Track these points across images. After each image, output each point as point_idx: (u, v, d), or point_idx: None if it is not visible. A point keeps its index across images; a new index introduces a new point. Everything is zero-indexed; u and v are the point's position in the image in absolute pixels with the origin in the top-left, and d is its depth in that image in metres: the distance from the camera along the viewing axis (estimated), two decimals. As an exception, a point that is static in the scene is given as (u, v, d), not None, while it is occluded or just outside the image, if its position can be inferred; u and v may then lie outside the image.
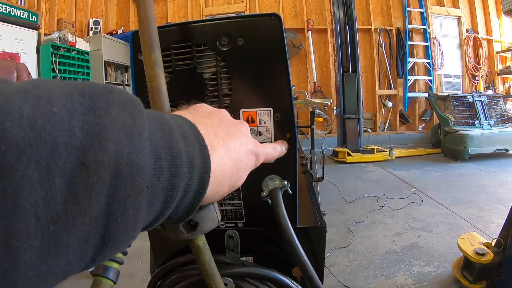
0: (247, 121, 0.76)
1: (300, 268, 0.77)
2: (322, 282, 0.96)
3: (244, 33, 0.71)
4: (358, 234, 3.20)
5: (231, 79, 0.74)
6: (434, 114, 7.13)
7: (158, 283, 0.99)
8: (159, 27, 0.72)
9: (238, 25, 0.72)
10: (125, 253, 0.51)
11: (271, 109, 0.75)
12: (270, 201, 0.78)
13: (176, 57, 0.74)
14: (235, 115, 0.76)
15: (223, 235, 0.89)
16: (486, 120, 6.35)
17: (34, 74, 4.88)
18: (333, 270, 2.62)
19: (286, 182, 0.79)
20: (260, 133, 0.77)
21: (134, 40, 0.78)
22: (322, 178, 3.11)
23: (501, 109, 6.64)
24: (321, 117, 7.30)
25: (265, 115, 0.76)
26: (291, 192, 0.80)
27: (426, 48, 7.87)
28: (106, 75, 6.53)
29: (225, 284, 0.83)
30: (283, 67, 0.73)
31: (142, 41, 0.48)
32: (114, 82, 6.89)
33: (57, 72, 5.38)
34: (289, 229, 0.74)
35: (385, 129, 7.92)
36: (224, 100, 0.75)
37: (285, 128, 0.77)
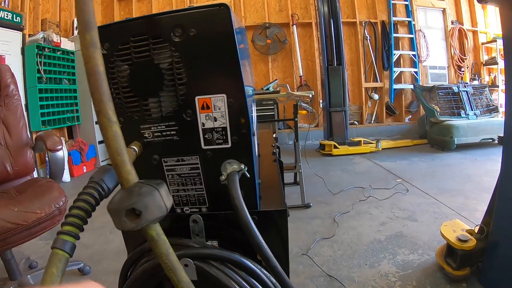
0: (202, 107, 0.80)
1: (254, 248, 0.79)
2: (288, 261, 0.97)
3: (195, 24, 0.74)
4: (343, 225, 3.21)
5: (186, 68, 0.77)
6: (420, 105, 7.15)
7: (130, 271, 0.99)
8: (118, 22, 0.73)
9: (189, 17, 0.74)
10: (81, 230, 0.51)
11: (225, 95, 0.79)
12: None
13: (134, 49, 0.77)
14: (191, 102, 0.80)
15: (188, 220, 0.90)
16: (472, 110, 6.37)
17: (19, 76, 4.83)
18: (317, 260, 2.61)
19: (243, 166, 0.83)
20: (215, 119, 0.81)
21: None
22: (295, 166, 3.13)
23: (487, 99, 6.68)
24: (306, 110, 7.32)
25: (219, 101, 0.79)
26: (248, 175, 0.84)
27: (411, 40, 7.89)
28: (91, 74, 6.44)
29: (185, 265, 0.82)
30: (233, 54, 0.76)
31: (78, 22, 0.49)
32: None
33: (42, 73, 5.30)
34: (243, 210, 0.76)
35: (372, 121, 7.93)
36: (180, 88, 0.78)
37: (239, 112, 0.81)
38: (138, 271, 0.90)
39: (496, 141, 5.88)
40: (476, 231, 2.36)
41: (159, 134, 0.84)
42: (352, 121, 7.66)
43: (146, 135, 0.84)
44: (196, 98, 0.79)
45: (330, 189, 4.16)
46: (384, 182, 4.36)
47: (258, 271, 0.93)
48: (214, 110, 0.80)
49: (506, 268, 1.99)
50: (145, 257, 0.92)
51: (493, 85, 7.83)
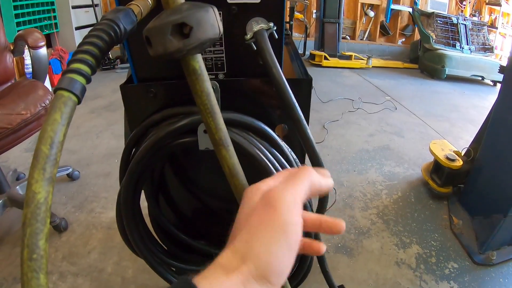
0: None
1: (286, 107, 0.70)
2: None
3: None
4: (332, 132, 3.20)
5: None
6: (415, 30, 6.99)
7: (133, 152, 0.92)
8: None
9: None
10: (94, 71, 0.38)
11: None
12: (254, 46, 0.71)
13: None
14: None
15: None
16: (468, 44, 6.26)
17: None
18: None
19: (272, 24, 0.72)
20: None
21: None
22: (304, 53, 3.11)
23: (484, 37, 6.55)
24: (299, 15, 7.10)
25: None
26: (276, 36, 0.73)
27: (417, -40, 7.50)
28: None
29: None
30: None
31: None
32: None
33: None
34: (275, 64, 0.67)
35: (364, 38, 7.71)
36: None
37: None
38: (147, 144, 0.81)
39: (487, 80, 5.86)
40: (462, 154, 2.40)
41: None
42: (345, 35, 7.45)
43: None
44: None
45: (320, 97, 4.12)
46: (373, 98, 4.31)
47: (280, 142, 0.87)
48: None
49: (486, 193, 2.05)
50: (152, 132, 0.84)
51: (492, 26, 7.66)
